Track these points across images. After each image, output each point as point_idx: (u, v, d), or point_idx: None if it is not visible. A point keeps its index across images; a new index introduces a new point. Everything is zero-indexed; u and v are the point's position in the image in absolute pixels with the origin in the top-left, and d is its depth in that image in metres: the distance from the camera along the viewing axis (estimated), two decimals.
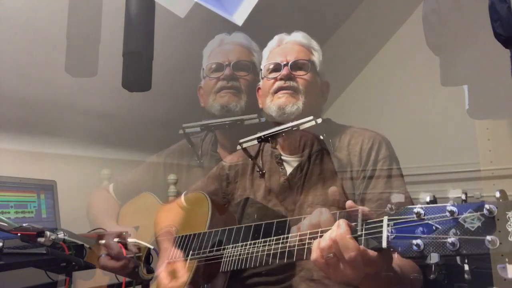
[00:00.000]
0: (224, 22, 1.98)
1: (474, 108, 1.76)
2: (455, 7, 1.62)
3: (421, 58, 2.08)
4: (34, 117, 1.77)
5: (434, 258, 0.74)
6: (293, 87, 1.35)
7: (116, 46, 1.46)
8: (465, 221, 0.72)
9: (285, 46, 1.44)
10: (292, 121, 1.31)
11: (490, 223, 0.70)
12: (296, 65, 1.37)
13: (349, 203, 0.92)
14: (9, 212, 1.48)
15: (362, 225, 0.87)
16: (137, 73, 1.46)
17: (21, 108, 1.71)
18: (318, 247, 0.89)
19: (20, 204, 1.52)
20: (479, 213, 0.71)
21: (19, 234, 1.08)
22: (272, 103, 1.36)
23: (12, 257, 1.10)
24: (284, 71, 1.35)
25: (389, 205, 0.85)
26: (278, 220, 1.11)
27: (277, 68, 1.39)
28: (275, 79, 1.37)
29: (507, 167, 1.90)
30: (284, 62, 1.37)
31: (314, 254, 0.90)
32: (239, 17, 2.00)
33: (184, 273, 1.22)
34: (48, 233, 1.08)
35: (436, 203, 0.79)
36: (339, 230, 0.86)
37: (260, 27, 1.42)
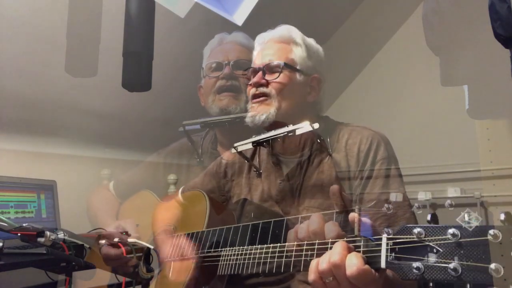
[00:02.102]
0: (224, 22, 1.98)
1: (474, 108, 1.76)
2: (455, 7, 1.62)
3: (421, 58, 2.08)
4: (34, 117, 1.77)
5: None
6: (264, 93, 1.29)
7: (116, 46, 1.46)
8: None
9: (265, 45, 1.36)
10: (266, 128, 1.28)
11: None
12: (268, 69, 1.30)
13: (352, 216, 0.88)
14: (9, 212, 1.48)
15: (360, 242, 0.84)
16: (137, 73, 1.46)
17: (21, 108, 1.71)
18: (316, 269, 0.85)
19: (20, 204, 1.53)
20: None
21: (19, 234, 1.07)
22: (249, 112, 1.33)
23: (12, 257, 1.10)
24: (255, 79, 1.30)
25: (386, 205, 0.83)
26: (275, 219, 1.09)
27: (253, 71, 1.34)
28: (250, 85, 1.33)
29: (507, 167, 1.90)
30: (259, 67, 1.32)
31: (312, 276, 0.85)
32: (239, 17, 2.00)
33: (183, 274, 1.22)
34: (48, 233, 1.08)
35: (436, 221, 0.76)
36: (340, 252, 0.82)
37: (260, 28, 1.41)
